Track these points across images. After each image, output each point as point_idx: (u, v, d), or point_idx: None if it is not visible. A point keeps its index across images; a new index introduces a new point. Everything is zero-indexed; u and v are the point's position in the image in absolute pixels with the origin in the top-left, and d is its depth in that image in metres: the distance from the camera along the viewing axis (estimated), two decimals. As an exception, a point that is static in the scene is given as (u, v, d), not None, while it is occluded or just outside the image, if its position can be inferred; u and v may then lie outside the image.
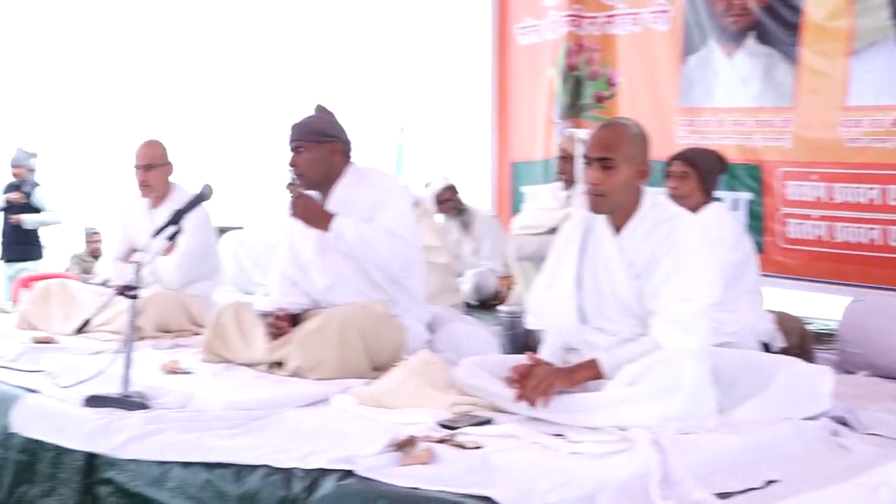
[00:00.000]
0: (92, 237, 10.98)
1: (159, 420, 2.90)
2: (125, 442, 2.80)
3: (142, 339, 4.11)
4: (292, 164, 3.99)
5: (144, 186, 5.04)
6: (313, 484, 2.45)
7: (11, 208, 9.44)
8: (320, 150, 3.97)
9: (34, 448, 3.09)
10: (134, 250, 4.98)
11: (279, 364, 3.69)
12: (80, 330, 3.77)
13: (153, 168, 5.01)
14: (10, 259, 9.44)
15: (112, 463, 2.81)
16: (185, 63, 11.59)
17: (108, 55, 11.57)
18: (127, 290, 3.22)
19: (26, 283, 7.64)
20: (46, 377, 3.55)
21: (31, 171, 9.60)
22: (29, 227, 9.46)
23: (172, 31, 11.44)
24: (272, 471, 2.54)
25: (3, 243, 9.48)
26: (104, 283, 5.27)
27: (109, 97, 11.64)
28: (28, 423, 3.16)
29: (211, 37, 11.42)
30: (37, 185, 9.56)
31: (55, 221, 9.71)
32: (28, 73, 11.07)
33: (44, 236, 9.76)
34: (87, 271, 10.09)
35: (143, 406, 3.03)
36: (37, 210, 9.48)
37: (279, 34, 11.28)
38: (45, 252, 9.74)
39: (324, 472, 2.48)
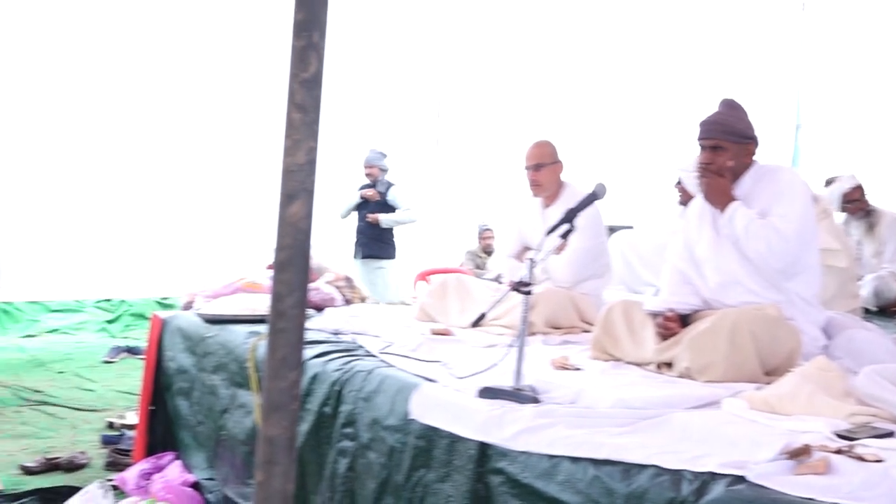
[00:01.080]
0: (484, 234, 11.38)
1: (549, 414, 2.93)
2: (517, 433, 2.86)
3: (532, 334, 4.21)
4: (707, 162, 3.93)
5: (535, 186, 5.18)
6: (702, 487, 2.39)
7: (366, 205, 9.83)
8: (738, 150, 3.91)
9: (431, 435, 3.22)
10: (527, 248, 5.12)
11: (668, 364, 3.66)
12: (476, 323, 3.91)
13: (543, 167, 5.13)
14: (365, 256, 9.84)
15: (504, 453, 2.88)
16: (575, 63, 11.75)
17: (502, 58, 11.90)
18: (520, 286, 3.29)
19: (424, 277, 8.04)
20: (443, 367, 3.70)
21: (384, 170, 9.96)
22: (385, 226, 9.80)
23: (561, 30, 11.61)
24: (660, 471, 2.51)
25: (359, 242, 9.88)
26: (497, 279, 5.46)
27: (503, 98, 12.00)
28: (426, 411, 3.30)
29: (603, 36, 11.50)
30: (391, 184, 9.90)
31: (410, 220, 9.97)
32: (364, 76, 11.48)
33: (398, 235, 10.08)
34: (479, 267, 10.47)
35: (534, 400, 3.08)
36: (391, 209, 9.83)
37: (670, 34, 11.18)
38: (397, 252, 10.07)
39: (713, 476, 2.42)
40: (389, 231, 9.90)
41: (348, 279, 6.03)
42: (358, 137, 10.54)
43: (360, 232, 9.88)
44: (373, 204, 9.72)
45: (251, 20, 10.70)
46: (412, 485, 3.26)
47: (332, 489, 3.75)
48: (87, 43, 10.80)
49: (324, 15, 1.83)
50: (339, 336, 4.63)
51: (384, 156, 9.93)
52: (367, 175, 9.86)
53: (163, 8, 10.83)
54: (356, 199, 9.79)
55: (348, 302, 5.82)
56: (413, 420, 3.32)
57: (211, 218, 11.48)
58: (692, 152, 4.75)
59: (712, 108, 4.04)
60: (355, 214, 9.91)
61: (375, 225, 9.72)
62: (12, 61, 10.37)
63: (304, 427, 3.88)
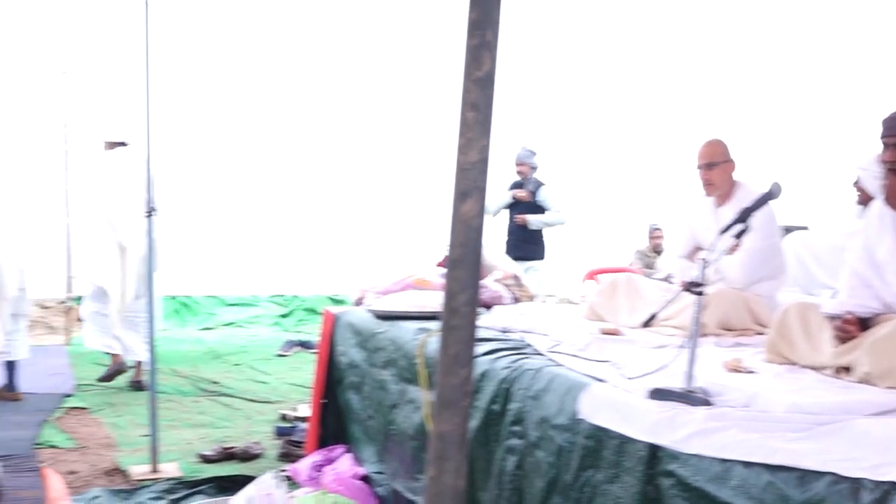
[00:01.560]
0: (654, 233, 11.25)
1: (722, 417, 2.87)
2: (688, 436, 2.82)
3: (704, 335, 4.13)
4: (890, 160, 3.79)
5: (707, 185, 5.09)
6: (884, 497, 2.30)
7: (516, 206, 9.74)
8: None
9: (600, 435, 3.20)
10: (698, 248, 5.04)
11: (846, 369, 3.54)
12: (646, 323, 3.85)
13: (715, 166, 5.04)
14: (516, 257, 9.75)
15: (674, 456, 2.83)
16: (748, 58, 11.50)
17: (656, 57, 11.74)
18: (692, 287, 3.23)
19: (593, 275, 7.97)
20: (613, 367, 3.67)
21: (534, 168, 9.86)
22: (534, 227, 9.70)
23: (731, 25, 11.38)
24: (838, 479, 2.42)
25: (510, 243, 9.80)
26: (667, 279, 5.38)
27: (674, 95, 11.84)
28: (595, 411, 3.27)
29: (777, 31, 11.23)
30: (541, 184, 9.79)
31: (559, 222, 9.84)
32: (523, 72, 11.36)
33: (548, 235, 9.97)
34: (649, 266, 10.35)
35: (706, 402, 3.03)
36: (541, 209, 9.71)
37: (848, 27, 10.83)
38: (546, 252, 9.95)
39: (895, 486, 2.34)
40: (539, 231, 9.84)
41: (516, 277, 6.03)
42: (523, 135, 10.51)
43: (510, 233, 9.85)
44: (522, 204, 9.68)
45: (424, 19, 10.82)
46: (580, 485, 3.25)
47: (500, 487, 3.76)
48: (262, 53, 11.14)
49: (497, 14, 1.85)
50: (508, 334, 4.64)
51: (534, 153, 9.88)
52: (518, 173, 9.83)
53: (337, 9, 11.05)
54: (507, 199, 9.75)
55: (516, 300, 5.82)
56: (582, 420, 3.30)
57: (382, 216, 11.68)
58: (871, 150, 4.59)
59: (895, 104, 3.89)
60: (504, 213, 9.89)
61: (524, 226, 9.68)
62: (192, 70, 10.76)
63: (473, 424, 3.90)
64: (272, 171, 11.52)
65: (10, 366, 7.75)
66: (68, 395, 7.84)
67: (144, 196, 6.28)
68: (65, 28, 10.34)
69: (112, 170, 8.20)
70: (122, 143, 8.24)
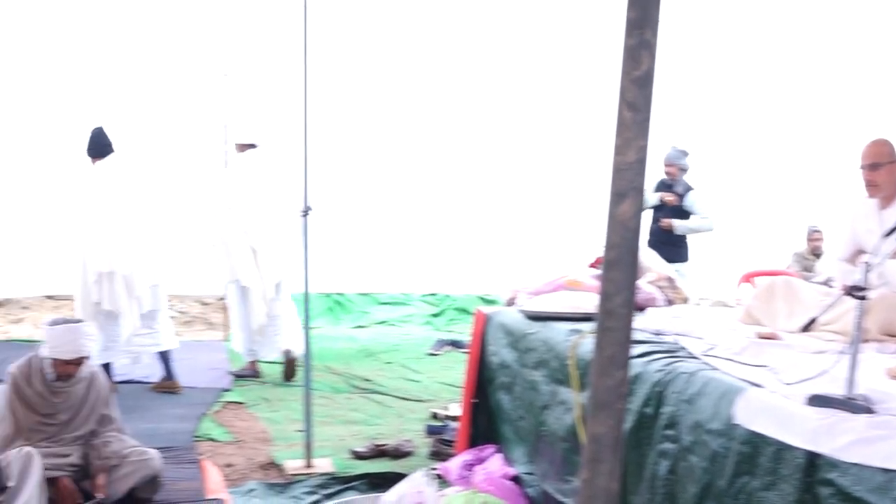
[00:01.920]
0: (813, 235, 10.96)
1: (885, 426, 2.78)
2: (848, 444, 2.74)
3: (866, 341, 4.00)
4: None
5: (871, 186, 4.93)
6: None
7: (661, 208, 9.49)
8: None
9: (756, 441, 3.14)
10: (860, 251, 4.89)
11: None
12: (806, 328, 3.75)
13: (880, 167, 4.88)
14: None
15: (834, 464, 2.76)
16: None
17: (817, 52, 11.43)
18: (854, 291, 3.14)
19: (749, 278, 7.82)
20: (770, 372, 3.58)
21: (683, 170, 9.55)
22: (679, 232, 9.42)
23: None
24: None
25: (650, 242, 9.54)
26: (826, 283, 5.24)
27: (836, 93, 11.52)
28: (751, 417, 3.21)
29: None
30: (690, 188, 9.47)
31: (706, 228, 9.49)
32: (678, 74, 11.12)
33: (693, 237, 9.67)
34: (807, 269, 10.08)
35: (867, 410, 2.94)
36: (686, 214, 9.43)
37: None
38: (690, 254, 9.68)
39: None
40: (683, 235, 9.59)
41: (670, 279, 5.95)
42: (672, 135, 10.31)
43: (651, 234, 9.59)
44: (668, 206, 9.45)
45: (583, 17, 10.77)
46: (735, 491, 3.19)
47: (653, 491, 3.72)
48: (416, 52, 11.27)
49: (656, 13, 1.83)
50: (661, 336, 4.59)
51: (686, 154, 9.59)
52: (667, 173, 9.57)
53: (493, 5, 11.10)
54: (654, 201, 9.49)
55: (670, 302, 5.75)
56: (738, 425, 3.24)
57: (534, 216, 11.67)
58: None
59: None
60: (648, 212, 9.69)
61: (669, 230, 9.44)
62: (345, 69, 10.95)
63: (625, 427, 3.86)
64: (425, 171, 11.64)
65: (164, 358, 8.00)
66: (226, 390, 8.06)
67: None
68: (228, 31, 10.64)
69: (242, 172, 8.40)
70: (252, 146, 8.40)
